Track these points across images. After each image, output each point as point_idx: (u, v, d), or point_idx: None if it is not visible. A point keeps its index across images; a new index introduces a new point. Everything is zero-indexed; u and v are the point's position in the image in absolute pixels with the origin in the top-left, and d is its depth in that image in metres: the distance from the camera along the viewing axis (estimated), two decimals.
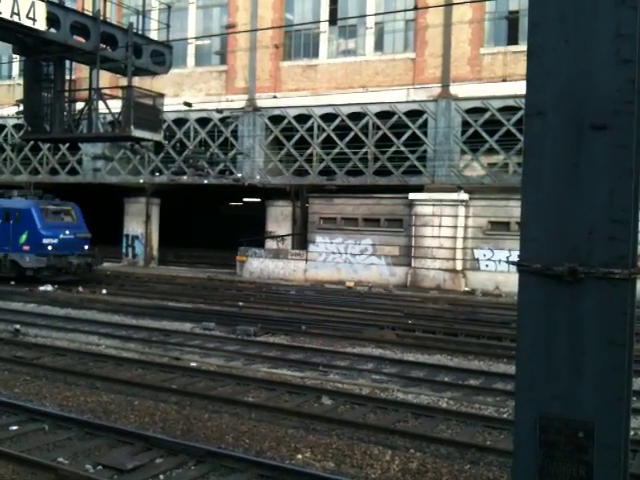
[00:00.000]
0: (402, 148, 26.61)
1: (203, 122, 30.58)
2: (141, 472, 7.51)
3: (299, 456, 8.25)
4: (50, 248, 25.44)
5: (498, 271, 25.87)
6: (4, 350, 14.25)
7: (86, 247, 27.04)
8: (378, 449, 8.54)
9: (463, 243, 26.37)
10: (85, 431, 8.82)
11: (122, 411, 10.02)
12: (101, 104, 16.99)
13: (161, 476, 7.46)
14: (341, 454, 8.34)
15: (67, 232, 26.18)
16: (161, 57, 17.85)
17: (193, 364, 13.46)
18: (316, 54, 28.81)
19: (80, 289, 24.90)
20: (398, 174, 26.82)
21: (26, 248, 25.45)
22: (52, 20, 14.97)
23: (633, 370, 4.01)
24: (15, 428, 9.00)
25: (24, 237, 25.61)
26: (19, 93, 22.53)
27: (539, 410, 3.91)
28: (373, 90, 26.62)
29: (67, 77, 17.63)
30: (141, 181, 31.83)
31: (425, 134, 26.40)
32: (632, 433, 6.92)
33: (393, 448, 8.61)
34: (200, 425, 9.37)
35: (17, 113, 24.22)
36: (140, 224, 34.38)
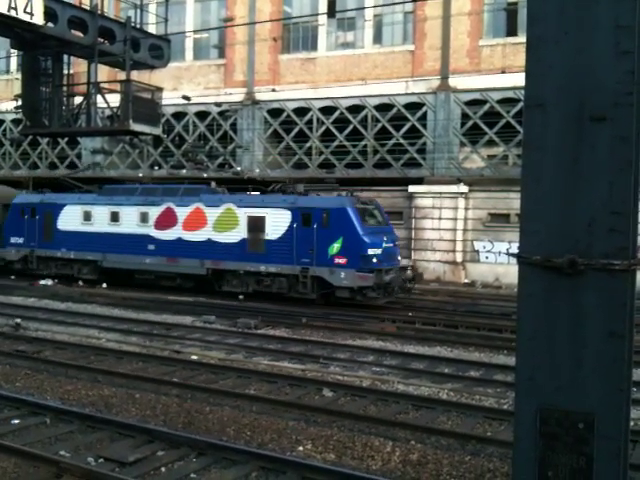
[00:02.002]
0: (401, 140, 26.58)
1: (202, 116, 30.53)
2: (143, 465, 7.53)
3: (300, 448, 8.28)
4: (375, 261, 19.13)
5: (498, 263, 25.90)
6: (5, 344, 14.27)
7: (399, 259, 21.27)
8: (379, 441, 8.57)
9: (463, 235, 26.38)
10: (86, 424, 8.85)
11: (123, 404, 10.05)
12: (100, 98, 16.93)
13: (162, 469, 7.49)
14: (342, 446, 8.37)
15: (385, 239, 19.90)
16: (159, 51, 17.79)
17: (194, 357, 13.49)
18: (315, 47, 28.74)
19: (80, 283, 24.91)
20: (398, 167, 26.80)
21: (340, 261, 19.22)
22: (50, 14, 14.90)
23: (633, 361, 4.02)
24: (17, 422, 9.03)
25: (337, 246, 19.32)
26: (17, 88, 22.46)
27: (539, 401, 3.93)
28: (372, 83, 26.56)
29: (65, 71, 17.57)
30: (140, 175, 31.78)
31: (424, 126, 26.36)
32: (632, 424, 6.92)
33: (394, 440, 8.64)
34: (201, 418, 9.40)
35: (15, 108, 24.13)
36: None
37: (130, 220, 23.33)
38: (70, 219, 24.82)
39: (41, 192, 26.86)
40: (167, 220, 22.57)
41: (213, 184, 23.26)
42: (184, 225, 22.21)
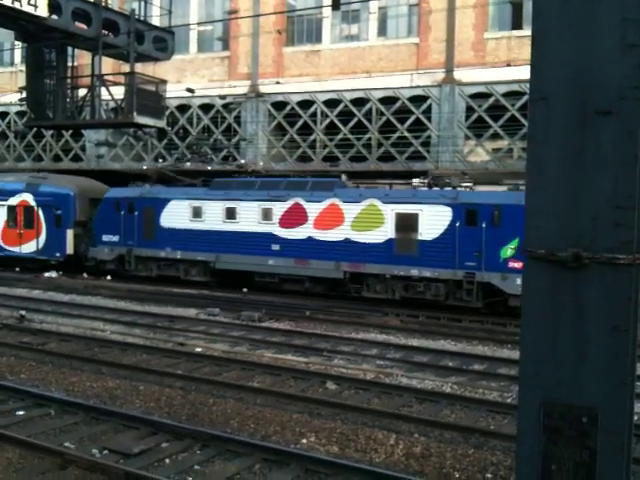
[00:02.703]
0: (406, 134, 26.50)
1: (206, 108, 30.47)
2: (147, 456, 7.57)
3: (304, 440, 8.31)
4: None
5: None
6: (10, 336, 14.33)
7: None
8: (382, 433, 8.59)
9: None
10: (91, 416, 8.89)
11: (128, 396, 10.09)
12: (104, 91, 16.92)
13: (167, 460, 7.52)
14: (345, 438, 8.39)
15: None
16: (163, 43, 17.77)
17: (198, 349, 13.53)
18: (319, 39, 28.63)
19: (85, 275, 24.96)
20: (402, 160, 26.73)
21: (516, 265, 16.58)
22: (54, 7, 14.88)
23: (637, 355, 4.01)
24: (22, 413, 9.08)
25: (512, 248, 17.07)
26: (21, 80, 22.44)
27: (543, 395, 3.93)
28: (377, 75, 26.46)
29: (69, 64, 17.56)
30: (144, 167, 31.77)
31: (429, 119, 26.27)
32: (636, 418, 6.92)
33: (397, 432, 8.66)
34: (205, 410, 9.43)
35: (20, 100, 24.12)
36: None
37: (249, 217, 21.21)
38: (176, 215, 22.58)
39: (137, 185, 24.57)
40: (295, 217, 20.42)
41: (344, 177, 21.39)
42: (316, 223, 20.02)
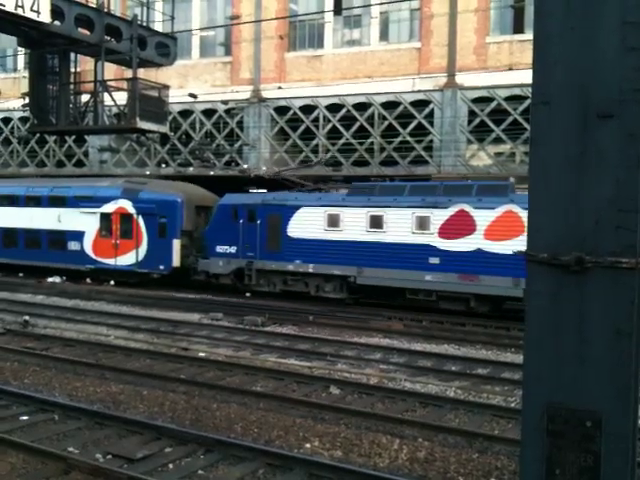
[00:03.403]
0: (408, 138, 26.52)
1: (208, 113, 30.53)
2: (151, 461, 7.57)
3: (307, 445, 8.30)
4: None
5: None
6: (14, 341, 14.35)
7: None
8: (386, 438, 8.58)
9: None
10: (95, 421, 8.90)
11: (131, 401, 10.10)
12: (106, 96, 16.97)
13: (170, 465, 7.52)
14: (349, 443, 8.38)
15: None
16: (166, 49, 17.81)
17: (201, 354, 13.53)
18: (321, 44, 28.69)
19: (88, 280, 24.99)
20: (404, 164, 26.75)
21: None
22: (56, 12, 14.93)
23: None
24: (25, 418, 9.08)
25: None
26: (25, 86, 22.51)
27: (547, 399, 3.93)
28: (379, 80, 26.49)
29: (72, 69, 17.61)
30: (147, 173, 31.83)
31: (431, 124, 26.29)
32: None
33: (401, 437, 8.65)
34: (209, 415, 9.43)
35: (23, 106, 24.16)
36: None
37: (400, 226, 18.94)
38: (307, 224, 20.31)
39: (249, 192, 22.56)
40: (459, 226, 18.21)
41: (512, 180, 19.12)
42: (487, 233, 17.79)
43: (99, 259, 24.50)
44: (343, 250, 19.58)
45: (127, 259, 23.90)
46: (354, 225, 19.51)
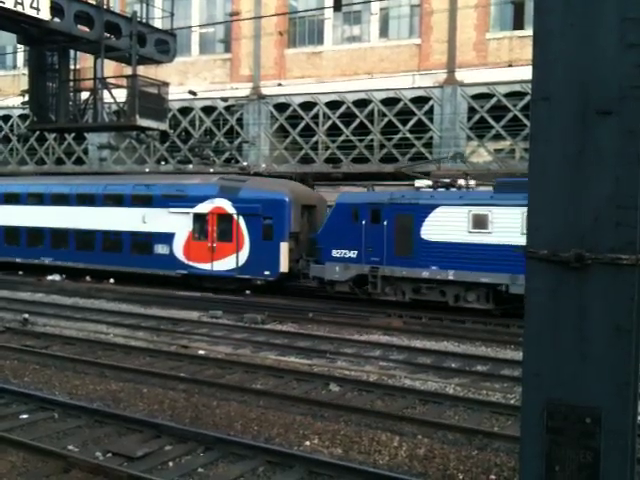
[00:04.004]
0: (408, 135, 26.51)
1: (208, 110, 30.52)
2: (150, 459, 7.57)
3: (307, 442, 8.30)
4: None
5: None
6: (13, 339, 14.35)
7: None
8: (386, 435, 8.58)
9: None
10: (94, 419, 8.89)
11: (131, 399, 10.10)
12: (106, 93, 16.95)
13: (170, 463, 7.51)
14: (349, 440, 8.38)
15: None
16: (165, 46, 17.79)
17: (201, 352, 13.53)
18: (321, 41, 28.67)
19: (87, 278, 24.98)
20: (404, 161, 26.74)
21: None
22: (56, 9, 14.91)
23: None
24: (25, 416, 9.08)
25: None
26: (24, 83, 22.50)
27: (546, 396, 3.92)
28: (378, 77, 26.48)
29: (72, 67, 17.59)
30: (147, 170, 31.84)
31: (431, 120, 26.28)
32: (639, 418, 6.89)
33: (401, 434, 8.65)
34: (209, 412, 9.43)
35: (22, 103, 24.17)
36: None
37: None
38: (446, 225, 18.06)
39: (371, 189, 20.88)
40: None
41: None
42: None
43: (192, 264, 22.30)
44: (492, 255, 17.33)
45: (226, 264, 21.67)
46: (506, 227, 17.13)
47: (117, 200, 24.32)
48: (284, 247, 20.78)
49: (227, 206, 21.80)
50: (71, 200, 25.44)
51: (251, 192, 21.80)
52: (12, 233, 26.95)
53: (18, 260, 26.57)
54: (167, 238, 22.85)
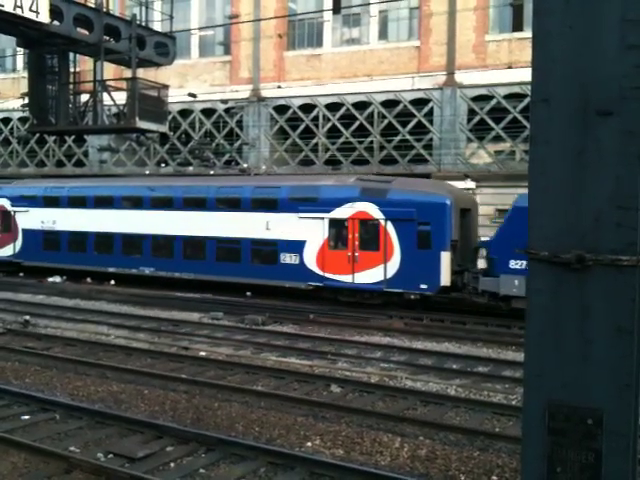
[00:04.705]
0: (408, 137, 26.52)
1: (208, 113, 30.53)
2: (152, 460, 7.58)
3: (309, 444, 8.31)
4: None
5: None
6: (15, 341, 14.36)
7: None
8: (387, 436, 8.59)
9: None
10: (96, 420, 8.91)
11: (132, 400, 10.10)
12: (106, 96, 16.95)
13: (172, 464, 7.52)
14: (350, 441, 8.39)
15: None
16: (165, 48, 17.80)
17: (202, 353, 13.54)
18: (320, 43, 28.69)
19: (88, 280, 24.98)
20: (404, 163, 26.74)
21: None
22: (55, 12, 14.91)
23: None
24: (27, 418, 9.09)
25: None
26: (24, 86, 22.50)
27: (548, 397, 3.93)
28: (378, 79, 26.50)
29: (71, 69, 17.60)
30: (147, 172, 31.85)
31: (431, 122, 26.30)
32: None
33: (402, 435, 8.66)
34: (210, 414, 9.44)
35: (22, 106, 24.18)
36: None
37: None
38: None
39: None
40: None
41: None
42: None
43: (328, 275, 19.96)
44: None
45: (370, 276, 19.24)
46: None
47: (233, 204, 21.88)
48: (445, 257, 18.41)
49: (372, 210, 19.44)
50: (177, 204, 23.02)
51: (402, 194, 19.42)
52: (104, 240, 24.50)
53: (111, 270, 24.12)
54: (296, 246, 20.48)
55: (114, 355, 13.28)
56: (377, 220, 19.35)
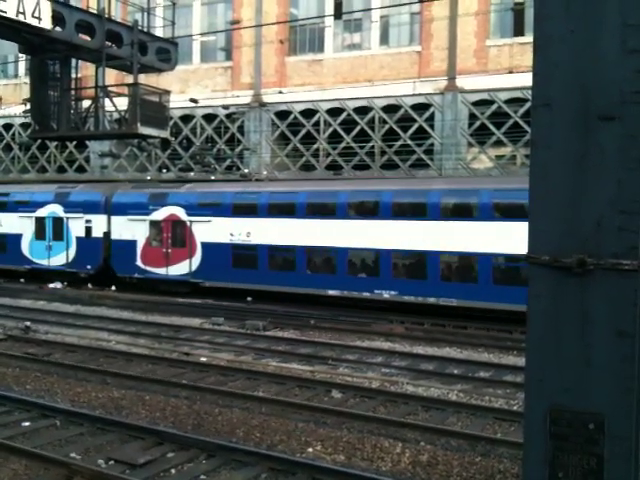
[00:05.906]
0: (409, 141, 26.53)
1: (209, 118, 30.57)
2: (153, 466, 7.56)
3: (310, 449, 8.28)
4: None
5: None
6: (15, 347, 14.34)
7: None
8: (388, 442, 8.56)
9: None
10: (97, 426, 8.89)
11: (133, 406, 10.08)
12: (107, 102, 16.98)
13: (172, 470, 7.50)
14: (352, 447, 8.36)
15: None
16: (167, 54, 17.82)
17: (203, 359, 13.52)
18: (321, 49, 28.74)
19: (89, 285, 24.97)
20: (405, 168, 26.75)
21: None
22: (57, 19, 14.95)
23: None
24: (27, 424, 9.07)
25: None
26: (26, 92, 22.54)
27: (549, 402, 3.91)
28: (379, 84, 26.53)
29: (73, 75, 17.62)
30: (148, 178, 31.86)
31: (432, 127, 26.30)
32: None
33: (403, 441, 8.63)
34: (211, 420, 9.41)
35: (24, 112, 24.20)
36: None
37: None
38: None
39: None
40: None
41: None
42: None
43: None
44: None
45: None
46: None
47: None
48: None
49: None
50: (433, 212, 18.70)
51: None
52: (319, 256, 20.48)
53: (331, 292, 19.82)
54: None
55: (115, 361, 13.26)
56: None
